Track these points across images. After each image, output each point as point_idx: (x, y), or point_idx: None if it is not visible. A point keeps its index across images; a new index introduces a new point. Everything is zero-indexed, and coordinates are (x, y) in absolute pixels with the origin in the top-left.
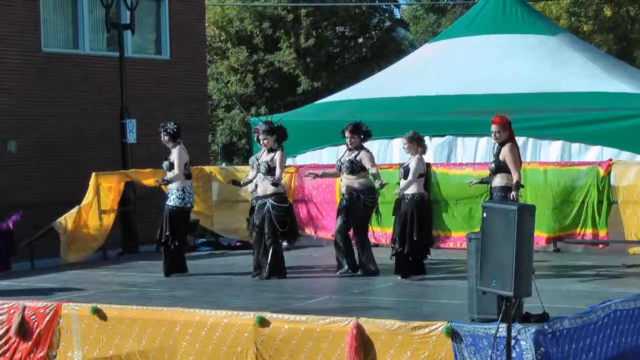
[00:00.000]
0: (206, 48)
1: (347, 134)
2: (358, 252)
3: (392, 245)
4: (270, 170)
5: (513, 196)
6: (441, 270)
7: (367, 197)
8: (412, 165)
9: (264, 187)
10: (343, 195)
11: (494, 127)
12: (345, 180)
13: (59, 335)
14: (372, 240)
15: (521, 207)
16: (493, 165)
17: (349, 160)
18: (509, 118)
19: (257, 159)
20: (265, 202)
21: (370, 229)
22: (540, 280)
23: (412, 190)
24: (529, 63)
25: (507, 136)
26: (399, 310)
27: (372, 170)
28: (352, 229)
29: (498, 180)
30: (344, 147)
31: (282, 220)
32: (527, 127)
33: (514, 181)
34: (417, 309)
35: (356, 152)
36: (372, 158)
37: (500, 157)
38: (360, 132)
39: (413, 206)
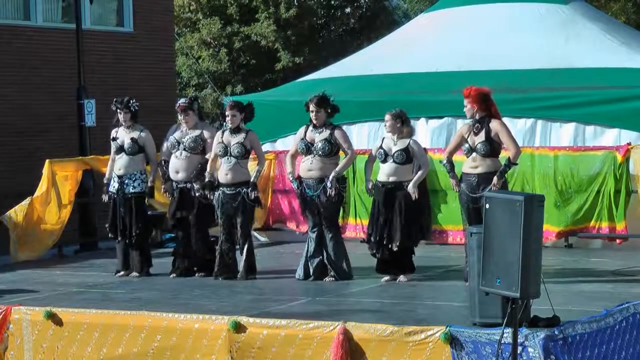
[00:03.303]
0: (174, 19)
1: (312, 107)
2: (328, 251)
3: (387, 241)
4: (245, 153)
5: (500, 175)
6: (438, 269)
7: (342, 186)
8: (415, 148)
9: (235, 173)
10: (306, 184)
11: (464, 102)
12: (317, 164)
13: (7, 342)
14: (361, 235)
15: (529, 197)
16: (484, 148)
17: (325, 139)
18: (485, 89)
19: (222, 141)
20: (239, 192)
21: (358, 222)
22: (550, 279)
23: (409, 175)
24: (537, 35)
25: (483, 112)
26: (391, 313)
27: (349, 153)
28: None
29: (490, 165)
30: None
31: (252, 211)
32: (535, 108)
33: (512, 155)
34: (412, 312)
35: (329, 130)
36: (347, 137)
37: (493, 136)
38: (328, 106)
39: (418, 194)
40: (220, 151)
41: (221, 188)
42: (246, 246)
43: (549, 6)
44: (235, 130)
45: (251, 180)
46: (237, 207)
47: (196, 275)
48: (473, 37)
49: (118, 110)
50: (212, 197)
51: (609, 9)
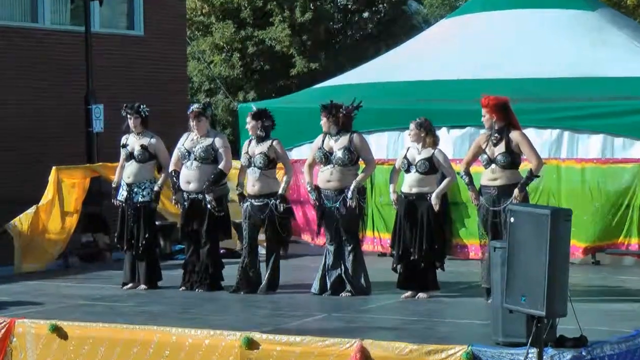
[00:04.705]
0: (186, 22)
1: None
2: (346, 265)
3: (409, 254)
4: (269, 163)
5: (521, 187)
6: (460, 285)
7: (361, 198)
8: (441, 158)
9: (262, 184)
10: (324, 195)
11: (482, 111)
12: (336, 174)
13: (11, 356)
14: (379, 249)
15: (555, 211)
16: (504, 159)
17: (344, 147)
18: (503, 98)
19: (247, 151)
20: (267, 203)
21: (376, 235)
22: (577, 297)
23: (432, 186)
24: (563, 42)
25: (502, 122)
26: (410, 331)
27: (369, 161)
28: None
29: (510, 177)
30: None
31: (286, 224)
32: (561, 118)
33: (534, 167)
34: (432, 329)
35: (347, 137)
36: (367, 144)
37: (513, 147)
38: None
39: (440, 206)
40: (245, 162)
41: (249, 199)
42: (272, 260)
43: (576, 12)
44: (260, 140)
45: (279, 191)
46: (265, 220)
47: (196, 290)
48: (496, 44)
49: (128, 116)
50: (241, 208)
51: (637, 16)
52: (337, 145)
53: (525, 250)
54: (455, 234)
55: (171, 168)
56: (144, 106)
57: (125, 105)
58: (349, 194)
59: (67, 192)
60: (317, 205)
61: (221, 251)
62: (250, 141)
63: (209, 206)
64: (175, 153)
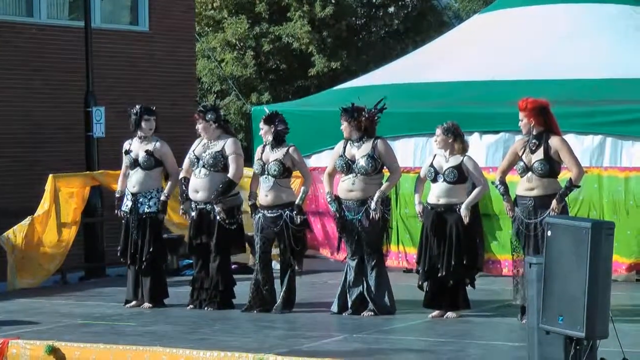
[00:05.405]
0: (195, 17)
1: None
2: (368, 282)
3: (437, 271)
4: (285, 172)
5: (559, 198)
6: (492, 303)
7: (386, 209)
8: (471, 166)
9: (276, 193)
10: (346, 206)
11: (520, 115)
12: (359, 184)
13: None
14: (404, 265)
15: (597, 224)
16: (542, 167)
17: (367, 155)
18: (542, 101)
19: (261, 157)
20: (281, 214)
21: (401, 249)
22: (620, 318)
23: (461, 197)
24: (607, 40)
25: (541, 127)
26: (438, 353)
27: (394, 169)
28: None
29: (548, 186)
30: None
31: (300, 237)
32: (604, 123)
33: (574, 176)
34: (462, 352)
35: (370, 143)
36: (392, 151)
37: (552, 154)
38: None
39: (470, 218)
40: (257, 169)
41: (261, 210)
42: (287, 277)
43: (621, 7)
44: (275, 146)
45: (296, 202)
46: (279, 233)
47: (205, 308)
48: (534, 42)
49: (145, 118)
50: (253, 219)
51: None
52: (359, 152)
53: (563, 266)
54: (486, 248)
55: (182, 175)
56: (154, 107)
57: (139, 106)
58: (372, 205)
59: (64, 201)
60: (338, 217)
61: (233, 266)
62: (264, 147)
63: (218, 218)
64: (187, 159)
